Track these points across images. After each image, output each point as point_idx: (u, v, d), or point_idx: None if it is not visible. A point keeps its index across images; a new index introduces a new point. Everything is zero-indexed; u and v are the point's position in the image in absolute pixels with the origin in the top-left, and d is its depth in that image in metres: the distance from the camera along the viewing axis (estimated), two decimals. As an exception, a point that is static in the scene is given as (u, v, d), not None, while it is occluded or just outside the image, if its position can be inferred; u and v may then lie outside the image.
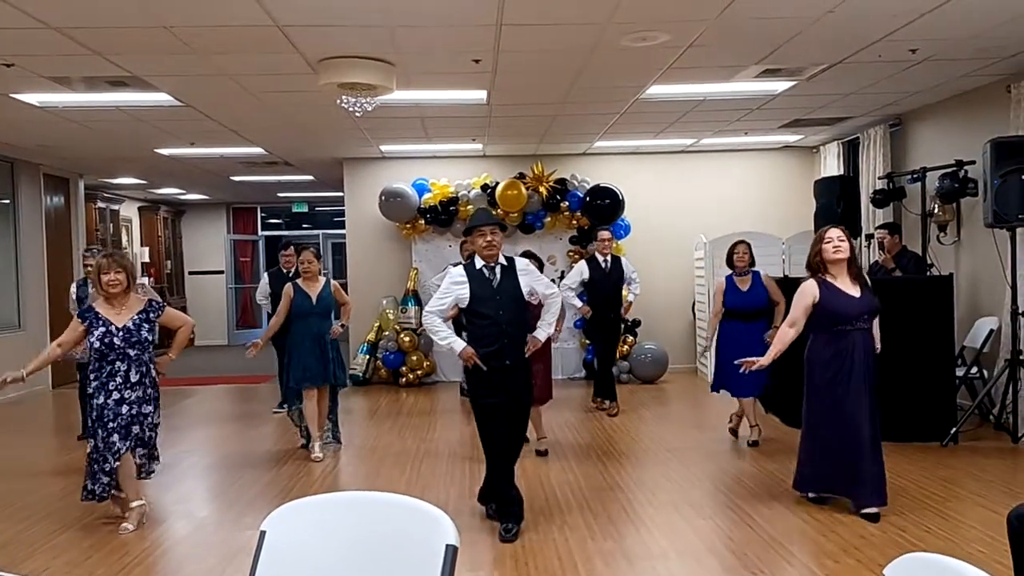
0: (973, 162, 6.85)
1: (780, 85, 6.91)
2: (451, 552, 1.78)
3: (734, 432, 6.76)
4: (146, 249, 14.84)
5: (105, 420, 4.58)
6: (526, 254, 6.39)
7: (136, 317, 4.62)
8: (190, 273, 16.21)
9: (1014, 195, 6.04)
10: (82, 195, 11.69)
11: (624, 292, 7.90)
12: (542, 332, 4.69)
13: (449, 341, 4.54)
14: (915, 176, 7.68)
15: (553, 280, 6.47)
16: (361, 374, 10.17)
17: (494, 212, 9.88)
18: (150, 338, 4.67)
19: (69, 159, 10.17)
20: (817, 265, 4.62)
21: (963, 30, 5.39)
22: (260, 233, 16.68)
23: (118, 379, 4.59)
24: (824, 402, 4.62)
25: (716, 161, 10.64)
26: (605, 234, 7.82)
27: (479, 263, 4.55)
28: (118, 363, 4.58)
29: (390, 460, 6.32)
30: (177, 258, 15.92)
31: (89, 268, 6.49)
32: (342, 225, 11.43)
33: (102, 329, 4.55)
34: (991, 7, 4.93)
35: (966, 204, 7.34)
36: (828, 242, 4.56)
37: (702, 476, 5.68)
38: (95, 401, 4.61)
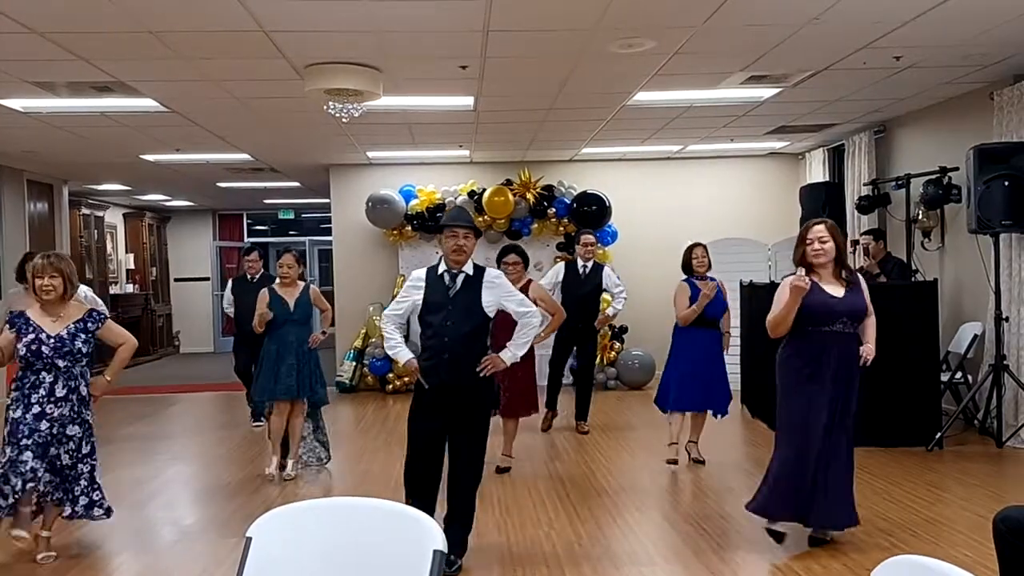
0: (957, 169, 6.91)
1: (766, 92, 6.96)
2: (438, 557, 1.77)
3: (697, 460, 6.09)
4: (131, 256, 14.74)
5: (18, 436, 4.06)
6: (510, 248, 6.10)
7: (72, 326, 4.18)
8: (175, 280, 16.10)
9: (997, 201, 6.10)
10: (66, 201, 11.59)
11: (604, 303, 7.46)
12: (508, 354, 4.11)
13: (396, 351, 4.18)
14: (899, 183, 7.75)
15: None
16: (348, 381, 10.13)
17: (480, 218, 9.92)
18: (84, 350, 4.22)
19: (53, 165, 10.10)
20: (801, 263, 4.15)
21: (946, 38, 5.44)
22: (246, 240, 16.59)
23: (41, 391, 4.11)
24: (790, 414, 4.14)
25: (702, 167, 10.68)
26: (588, 238, 7.33)
27: (442, 267, 4.12)
28: (44, 374, 4.12)
29: (376, 467, 6.29)
30: (162, 265, 15.80)
31: None
32: (328, 232, 11.40)
33: (31, 336, 4.10)
34: (973, 15, 4.98)
35: (950, 210, 7.40)
36: (809, 243, 4.08)
37: (688, 482, 5.69)
38: (11, 415, 4.11)
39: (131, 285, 14.59)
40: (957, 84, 6.85)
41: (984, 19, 5.07)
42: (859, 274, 4.35)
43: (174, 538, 4.82)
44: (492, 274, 4.18)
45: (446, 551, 1.80)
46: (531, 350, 5.77)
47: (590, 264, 7.27)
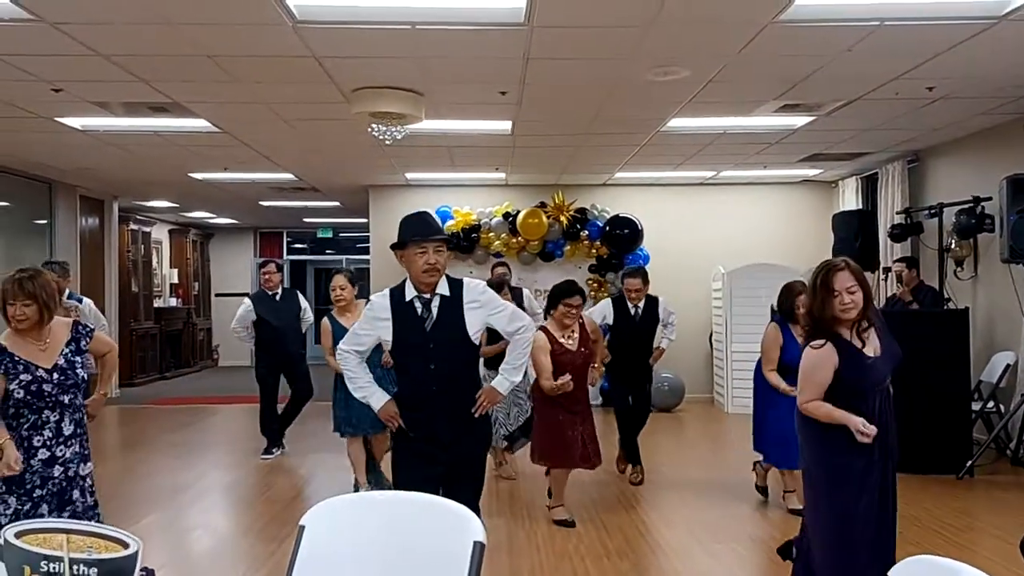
0: (990, 198, 6.94)
1: (799, 120, 7.05)
2: (479, 549, 1.91)
3: (762, 489, 5.78)
4: (175, 271, 15.16)
5: (28, 486, 3.45)
6: (574, 289, 5.21)
7: (66, 351, 3.55)
8: (216, 295, 16.50)
9: (1030, 231, 6.13)
10: (116, 217, 11.99)
11: (658, 336, 6.56)
12: (503, 381, 3.44)
13: (365, 393, 3.41)
14: (933, 212, 7.77)
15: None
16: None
17: (514, 240, 10.08)
18: (85, 376, 3.61)
19: (106, 182, 10.48)
20: (827, 323, 3.32)
21: (979, 69, 5.52)
22: (285, 257, 16.97)
23: (47, 432, 3.49)
24: (840, 504, 3.30)
25: (735, 194, 10.77)
26: (633, 283, 6.26)
27: (410, 292, 3.33)
28: (47, 412, 3.49)
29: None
30: (205, 280, 16.23)
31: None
32: (365, 251, 11.66)
33: (25, 376, 3.43)
34: (1006, 47, 5.04)
35: (983, 240, 7.41)
36: (836, 296, 3.28)
37: (717, 501, 5.74)
38: None
39: (174, 299, 14.99)
40: (990, 115, 6.89)
41: (1016, 52, 5.14)
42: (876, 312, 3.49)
43: (214, 541, 4.98)
44: (474, 290, 3.40)
45: (485, 543, 1.94)
46: (585, 391, 5.31)
47: (641, 304, 6.32)
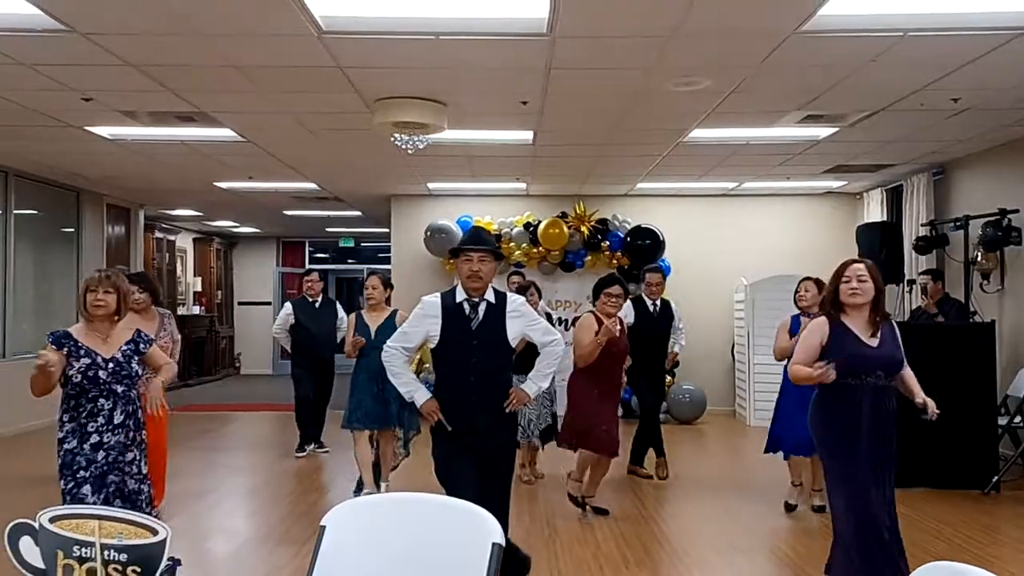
0: (1017, 211, 6.87)
1: (822, 131, 7.02)
2: (497, 550, 1.92)
3: (791, 506, 5.70)
4: (199, 279, 15.33)
5: (74, 468, 3.76)
6: (615, 279, 5.54)
7: (126, 347, 3.87)
8: (239, 303, 16.67)
9: (1057, 244, 6.06)
10: (142, 225, 12.16)
11: (670, 341, 6.94)
12: (532, 385, 3.84)
13: (410, 389, 3.80)
14: (958, 224, 7.70)
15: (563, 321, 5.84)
16: (402, 405, 10.33)
17: (535, 250, 10.10)
18: (140, 372, 3.93)
19: (132, 190, 10.63)
20: (831, 305, 3.74)
21: (1005, 80, 5.47)
22: (307, 266, 17.09)
23: (100, 420, 3.79)
24: (844, 477, 3.72)
25: (758, 205, 10.72)
26: (654, 277, 6.78)
27: (460, 295, 3.77)
28: (102, 400, 3.79)
29: (433, 488, 6.42)
30: (228, 288, 16.39)
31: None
32: (386, 260, 11.71)
33: (86, 360, 3.75)
34: (1032, 59, 5.02)
35: (1010, 252, 7.33)
36: (846, 281, 3.67)
37: (737, 512, 5.70)
38: (65, 446, 3.78)
39: (197, 307, 15.15)
40: (1017, 127, 6.83)
41: (1043, 62, 5.10)
42: (894, 322, 3.89)
43: (236, 544, 5.03)
44: (515, 302, 3.86)
45: (504, 544, 1.95)
46: (616, 383, 5.61)
47: (659, 302, 6.79)
